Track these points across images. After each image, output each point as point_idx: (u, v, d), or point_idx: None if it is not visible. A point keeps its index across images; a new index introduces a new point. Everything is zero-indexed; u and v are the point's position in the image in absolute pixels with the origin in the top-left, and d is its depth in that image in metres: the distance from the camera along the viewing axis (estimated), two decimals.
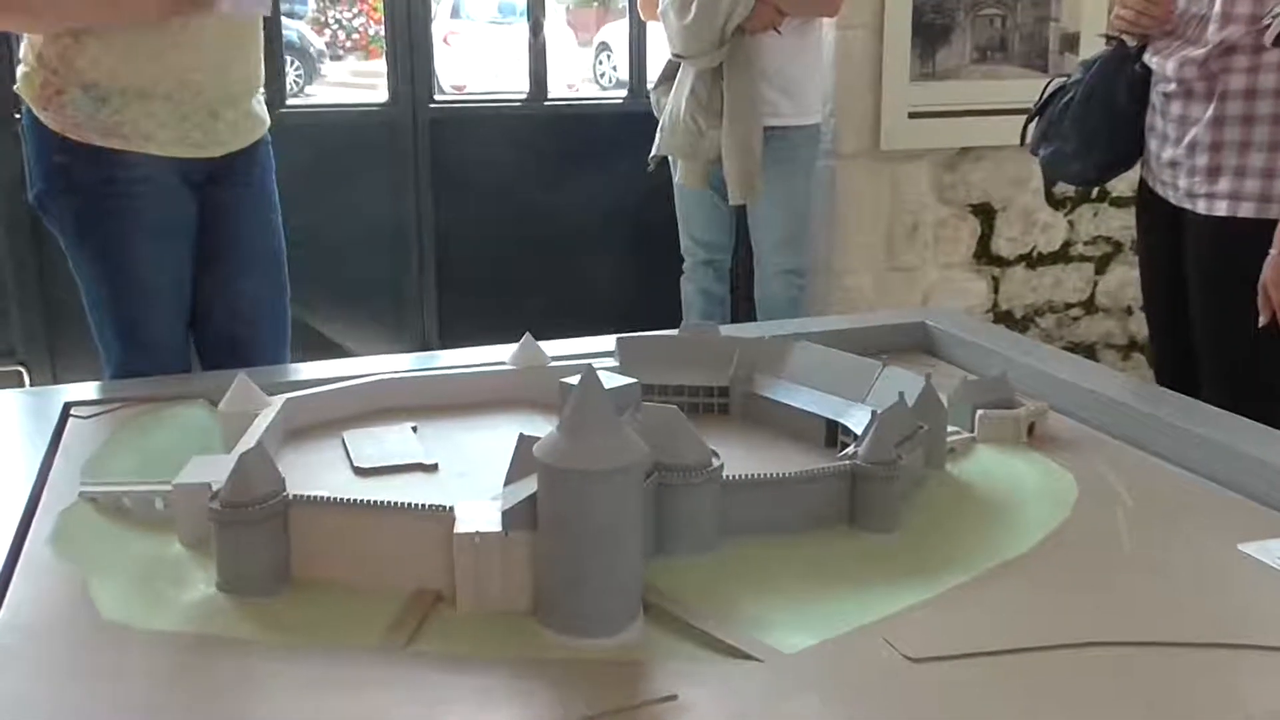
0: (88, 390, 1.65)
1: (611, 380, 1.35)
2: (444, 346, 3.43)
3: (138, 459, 1.39)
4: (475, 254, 3.62)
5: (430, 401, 1.57)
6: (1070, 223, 3.79)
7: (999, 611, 1.05)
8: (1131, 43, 2.21)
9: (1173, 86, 2.10)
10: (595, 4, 10.22)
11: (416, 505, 1.06)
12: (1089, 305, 3.89)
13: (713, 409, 1.55)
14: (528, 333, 1.64)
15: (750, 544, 1.15)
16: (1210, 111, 2.04)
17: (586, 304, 3.56)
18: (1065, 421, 1.55)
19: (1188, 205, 2.11)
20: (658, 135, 3.18)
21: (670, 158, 3.22)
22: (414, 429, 1.49)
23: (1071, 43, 3.56)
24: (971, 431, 1.46)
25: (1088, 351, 3.85)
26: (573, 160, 3.63)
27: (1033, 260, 3.78)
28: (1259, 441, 1.38)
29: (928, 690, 0.93)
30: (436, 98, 3.61)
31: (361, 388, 1.56)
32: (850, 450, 1.24)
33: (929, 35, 3.44)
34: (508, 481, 1.06)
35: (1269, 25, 1.94)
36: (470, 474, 1.35)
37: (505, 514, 1.02)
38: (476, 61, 8.54)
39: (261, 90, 2.09)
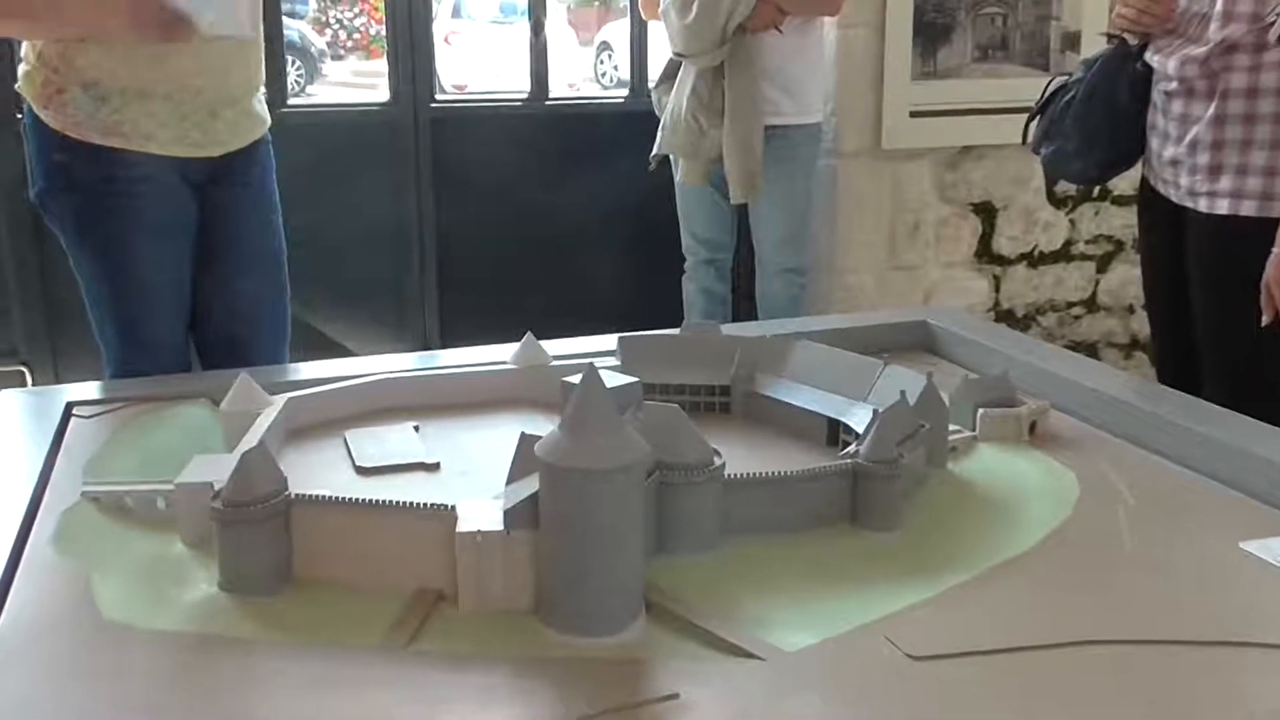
0: (90, 390, 1.65)
1: (613, 379, 1.36)
2: (445, 346, 3.43)
3: (140, 458, 1.39)
4: (476, 253, 3.62)
5: (432, 401, 1.57)
6: (1072, 221, 3.79)
7: (1001, 610, 1.05)
8: (1133, 41, 2.21)
9: (1174, 85, 2.10)
10: (596, 3, 10.22)
11: (418, 504, 1.06)
12: (1090, 304, 3.89)
13: (714, 408, 1.55)
14: (529, 332, 1.64)
15: (752, 543, 1.15)
16: (1212, 110, 2.03)
17: (588, 303, 3.56)
18: (1067, 420, 1.55)
19: (1189, 204, 2.11)
20: (659, 134, 3.18)
21: (671, 157, 3.23)
22: (416, 428, 1.49)
23: (1073, 41, 3.55)
24: (973, 430, 1.46)
25: (1089, 350, 3.85)
26: (574, 159, 3.63)
27: (1034, 259, 3.78)
28: (1261, 440, 1.38)
29: (929, 689, 0.93)
30: (438, 97, 3.61)
31: (363, 387, 1.56)
32: (852, 449, 1.24)
33: (930, 34, 3.44)
34: (509, 481, 1.06)
35: (1272, 23, 1.94)
36: (472, 473, 1.35)
37: (507, 513, 1.02)
38: (478, 61, 8.54)
39: (262, 90, 2.09)
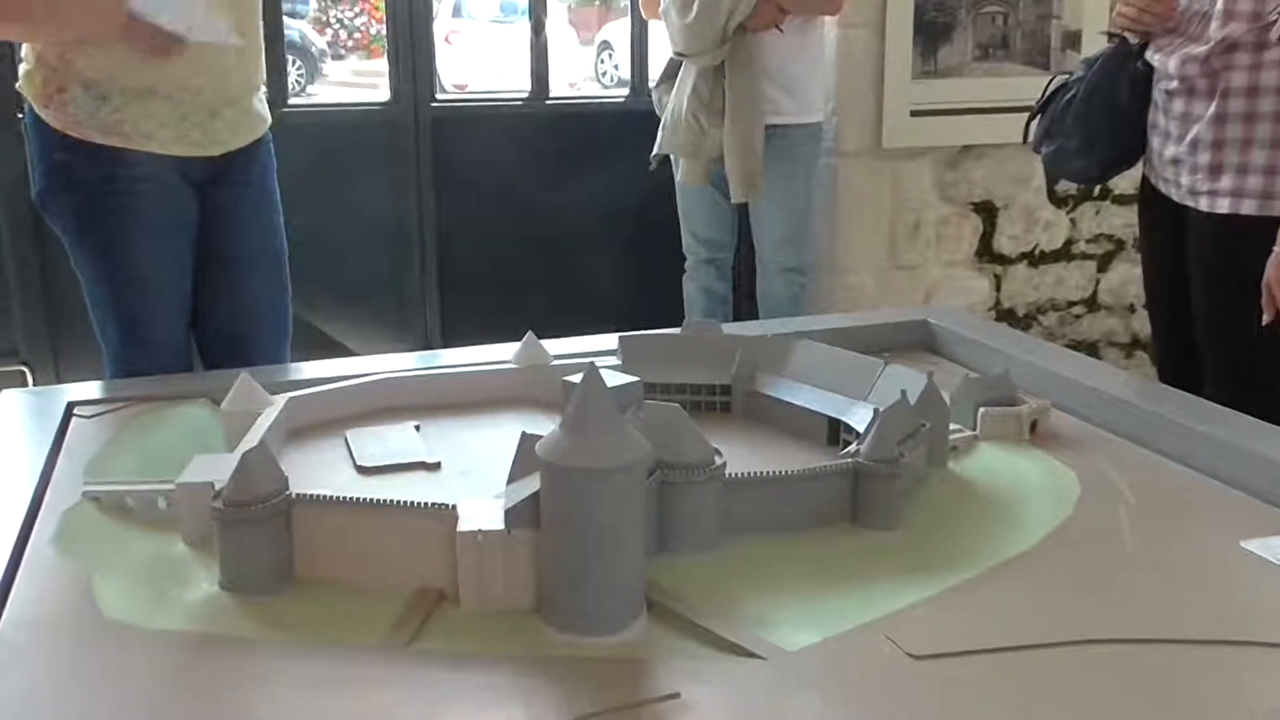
0: (91, 390, 1.65)
1: (614, 379, 1.36)
2: (446, 345, 3.43)
3: (140, 458, 1.39)
4: (477, 253, 3.62)
5: (433, 400, 1.57)
6: (1072, 220, 3.79)
7: (1001, 609, 1.05)
8: (1133, 40, 2.21)
9: (1175, 84, 2.10)
10: (597, 3, 10.22)
11: (419, 504, 1.06)
12: (1091, 303, 3.89)
13: (715, 407, 1.55)
14: (530, 331, 1.64)
15: (753, 542, 1.15)
16: (1212, 109, 2.03)
17: (588, 302, 3.56)
18: (1068, 419, 1.55)
19: (1190, 203, 2.11)
20: (659, 134, 3.18)
21: (672, 156, 3.22)
22: (417, 428, 1.49)
23: (1073, 40, 3.55)
24: (974, 429, 1.46)
25: (1090, 349, 3.85)
26: (574, 159, 3.63)
27: (1035, 258, 3.78)
28: (1261, 439, 1.38)
29: (930, 687, 0.93)
30: (438, 97, 3.61)
31: (364, 387, 1.56)
32: (853, 448, 1.24)
33: (931, 33, 3.44)
34: (510, 480, 1.06)
35: (1273, 22, 1.94)
36: (473, 472, 1.35)
37: (508, 512, 1.02)
38: (478, 60, 8.54)
39: (263, 89, 2.09)
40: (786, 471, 1.18)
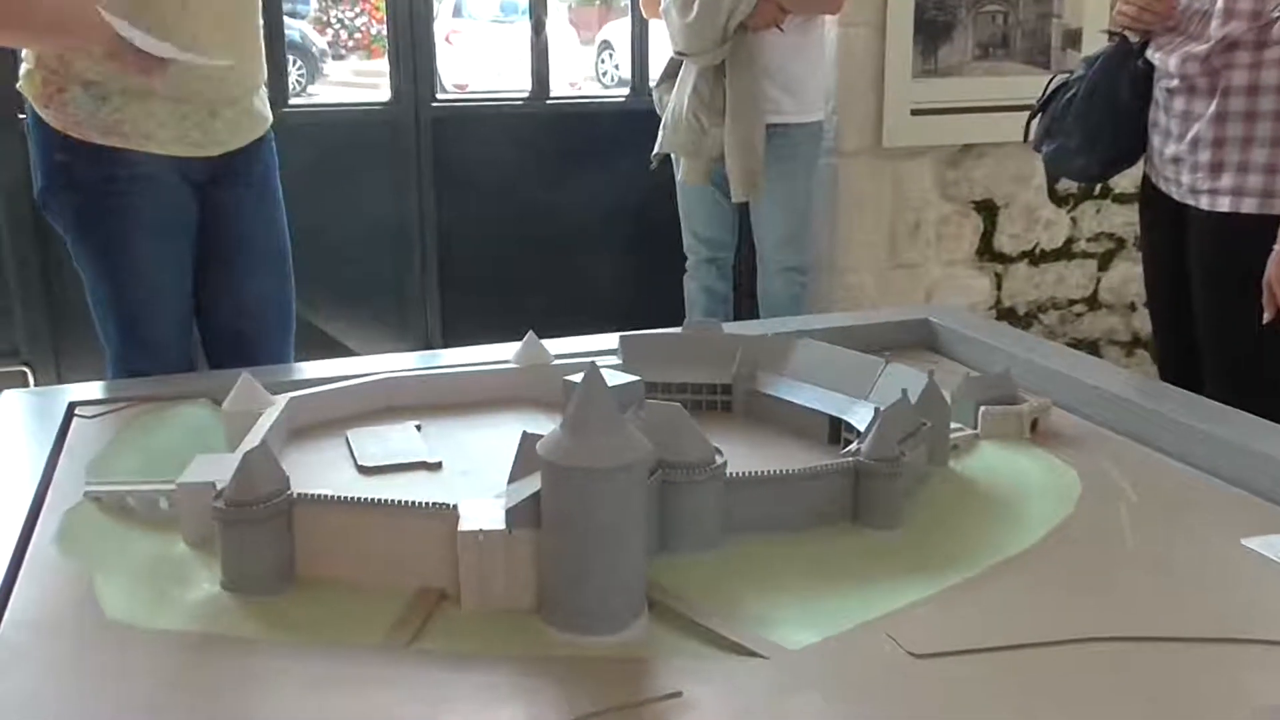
0: (92, 390, 1.65)
1: (615, 378, 1.36)
2: (447, 345, 3.43)
3: (142, 458, 1.39)
4: (478, 253, 3.62)
5: (434, 400, 1.57)
6: (1073, 219, 3.79)
7: (1002, 608, 1.05)
8: (1134, 39, 2.21)
9: (1175, 82, 2.10)
10: (597, 2, 10.22)
11: (420, 504, 1.06)
12: (1092, 302, 3.89)
13: (716, 406, 1.55)
14: (531, 331, 1.64)
15: (754, 541, 1.15)
16: (1213, 107, 2.03)
17: (589, 302, 3.56)
18: (1068, 418, 1.55)
19: (1190, 201, 2.11)
20: (660, 133, 3.18)
21: (672, 156, 3.23)
22: (418, 427, 1.49)
23: (1074, 39, 3.55)
24: (975, 428, 1.46)
25: (1091, 348, 3.85)
26: (575, 159, 3.63)
27: (1035, 257, 3.78)
28: (1262, 437, 1.37)
29: (931, 686, 0.93)
30: (439, 97, 3.61)
31: (365, 386, 1.56)
32: (853, 447, 1.24)
33: (931, 32, 3.44)
34: (511, 479, 1.06)
35: (1275, 20, 1.94)
36: (474, 472, 1.35)
37: (509, 512, 1.02)
38: (478, 60, 8.55)
39: (264, 88, 2.09)
40: (787, 471, 1.18)
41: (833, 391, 1.47)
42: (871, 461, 1.19)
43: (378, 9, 8.68)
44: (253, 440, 1.24)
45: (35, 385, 3.17)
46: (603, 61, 9.19)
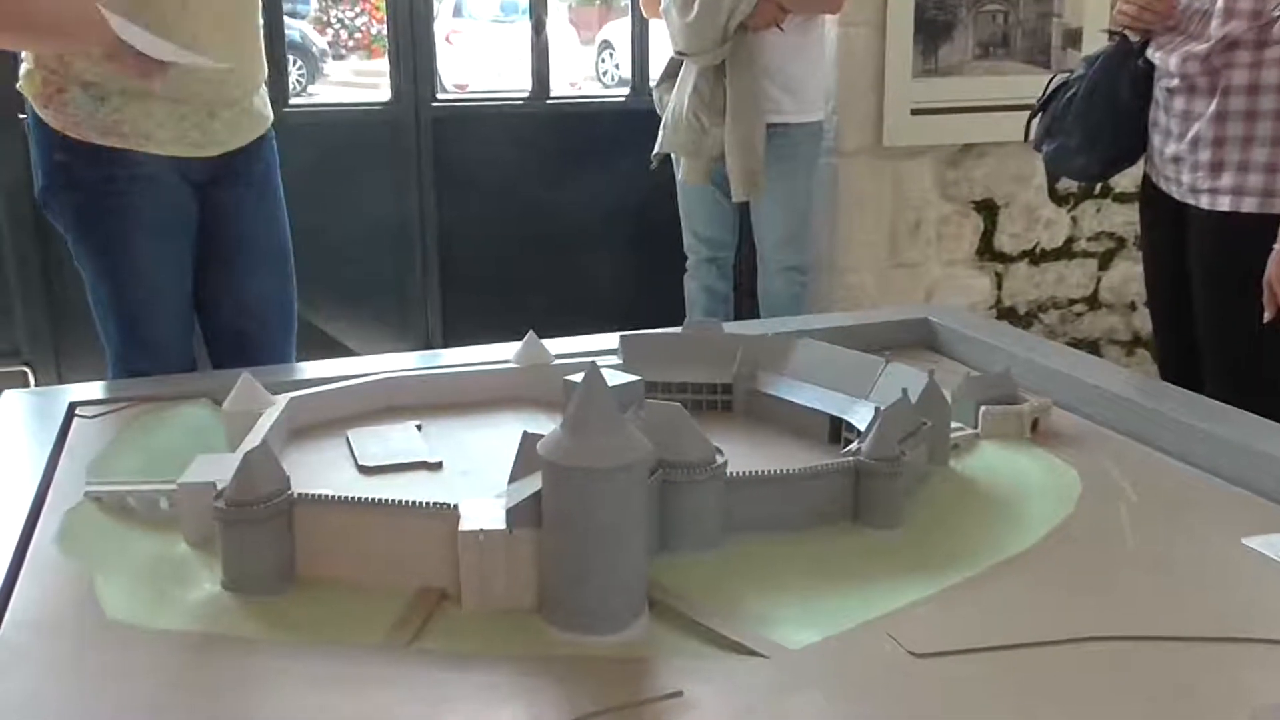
0: (92, 390, 1.65)
1: (615, 378, 1.36)
2: (447, 345, 3.44)
3: (143, 458, 1.39)
4: (478, 252, 3.62)
5: (434, 400, 1.57)
6: (1073, 219, 3.79)
7: (1003, 607, 1.05)
8: (1134, 38, 2.21)
9: (1176, 82, 2.10)
10: (597, 2, 10.22)
11: (421, 503, 1.06)
12: (1092, 301, 3.89)
13: (716, 406, 1.55)
14: (531, 331, 1.64)
15: (754, 541, 1.15)
16: (1213, 107, 2.04)
17: (590, 302, 3.56)
18: (1069, 417, 1.55)
19: (1191, 201, 2.11)
20: (660, 133, 3.18)
21: (673, 155, 3.23)
22: (418, 427, 1.49)
23: (1074, 38, 3.55)
24: (975, 427, 1.46)
25: (1091, 347, 3.85)
26: (575, 158, 3.63)
27: (1036, 256, 3.78)
28: (1263, 436, 1.37)
29: (932, 685, 0.93)
30: (439, 96, 3.61)
31: (365, 386, 1.56)
32: (854, 447, 1.24)
33: (931, 31, 3.44)
34: (512, 479, 1.06)
35: (1276, 19, 1.94)
36: (474, 472, 1.35)
37: (509, 512, 1.02)
38: (479, 60, 8.55)
39: (264, 87, 2.09)
40: (788, 470, 1.18)
41: (833, 391, 1.47)
42: (872, 461, 1.19)
43: (378, 9, 8.68)
44: (253, 440, 1.24)
45: (36, 385, 3.17)
46: (603, 61, 9.19)
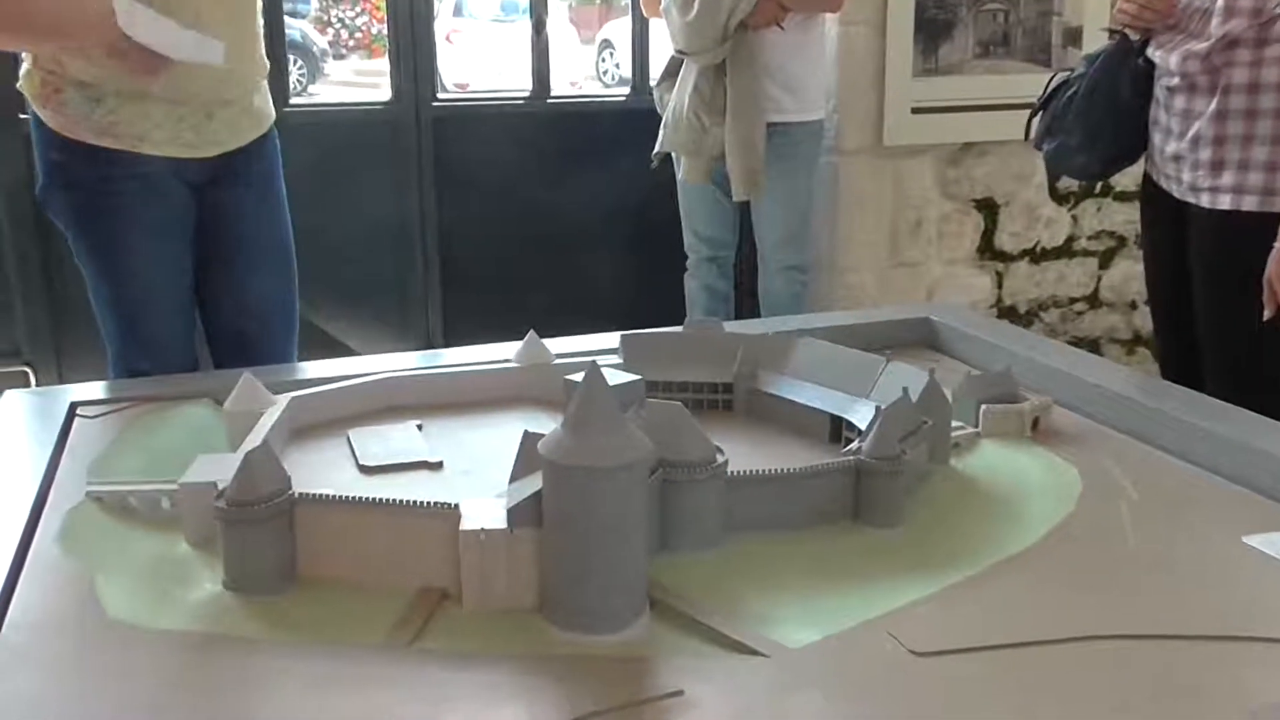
0: (94, 390, 1.65)
1: (616, 377, 1.35)
2: (448, 344, 3.44)
3: (144, 458, 1.39)
4: (479, 252, 3.62)
5: (435, 399, 1.57)
6: (1074, 217, 3.79)
7: (1003, 606, 1.05)
8: (1135, 37, 2.21)
9: (1176, 80, 2.10)
10: (598, 1, 10.23)
11: (422, 503, 1.06)
12: (1093, 300, 3.89)
13: (717, 405, 1.55)
14: (532, 330, 1.64)
15: (755, 540, 1.15)
16: (1213, 105, 2.03)
17: (590, 301, 3.56)
18: (1070, 416, 1.55)
19: (1191, 199, 2.11)
20: (661, 132, 3.18)
21: (673, 154, 3.23)
22: (419, 427, 1.49)
23: (1074, 37, 3.55)
24: (976, 426, 1.46)
25: (1092, 346, 3.85)
26: (576, 158, 3.63)
27: (1036, 255, 3.78)
28: (1263, 435, 1.38)
29: (932, 684, 0.93)
30: (439, 96, 3.61)
31: (366, 386, 1.56)
32: (854, 446, 1.24)
33: (931, 30, 3.44)
34: (513, 479, 1.06)
35: (1276, 18, 1.94)
36: (475, 471, 1.35)
37: (510, 511, 1.02)
38: (479, 60, 8.56)
39: (266, 85, 2.09)
40: (788, 469, 1.18)
41: (834, 390, 1.47)
42: (873, 460, 1.19)
43: (378, 8, 8.69)
44: (254, 440, 1.24)
45: (37, 385, 3.18)
46: (603, 61, 9.20)
